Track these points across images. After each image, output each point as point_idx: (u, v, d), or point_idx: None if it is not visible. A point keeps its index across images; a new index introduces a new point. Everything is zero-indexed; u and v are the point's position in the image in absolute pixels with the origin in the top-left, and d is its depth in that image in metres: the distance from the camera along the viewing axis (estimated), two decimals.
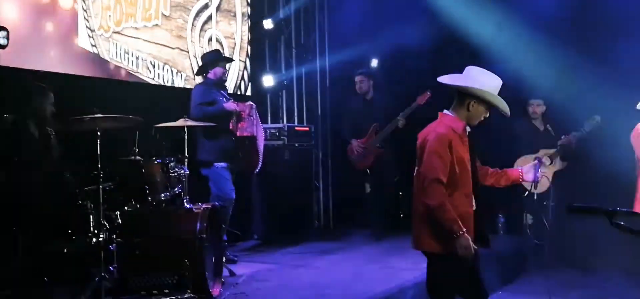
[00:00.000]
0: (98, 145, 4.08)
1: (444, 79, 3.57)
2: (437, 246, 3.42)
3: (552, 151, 6.52)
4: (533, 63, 6.77)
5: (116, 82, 6.21)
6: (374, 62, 8.98)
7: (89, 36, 6.02)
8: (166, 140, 5.39)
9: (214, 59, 6.16)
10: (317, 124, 8.78)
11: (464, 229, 3.29)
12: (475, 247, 3.35)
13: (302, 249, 6.78)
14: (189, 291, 3.47)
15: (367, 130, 7.40)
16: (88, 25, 6.01)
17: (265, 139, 7.41)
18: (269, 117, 8.39)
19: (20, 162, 4.37)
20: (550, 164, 6.50)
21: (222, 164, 5.97)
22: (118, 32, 6.30)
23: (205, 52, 6.57)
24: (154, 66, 6.65)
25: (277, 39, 8.47)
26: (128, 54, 6.39)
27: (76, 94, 5.04)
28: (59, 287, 4.41)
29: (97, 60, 6.08)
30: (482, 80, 3.51)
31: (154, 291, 3.40)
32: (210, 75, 6.07)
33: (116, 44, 6.28)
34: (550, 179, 6.35)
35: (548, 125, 6.71)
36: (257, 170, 6.25)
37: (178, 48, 7.01)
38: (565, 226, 6.53)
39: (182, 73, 7.01)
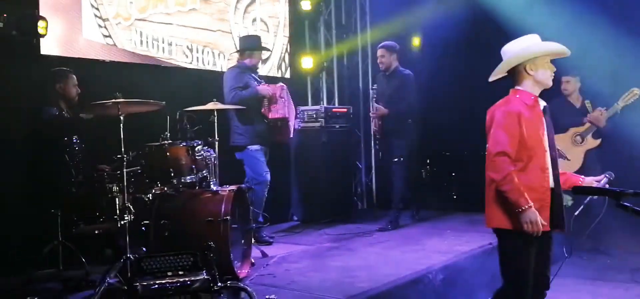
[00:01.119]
0: (121, 130, 4.16)
1: (495, 75, 3.57)
2: (506, 222, 3.34)
3: (582, 128, 6.19)
4: (568, 37, 6.44)
5: (146, 66, 6.28)
6: (417, 40, 8.83)
7: (100, 26, 5.95)
8: (197, 124, 5.49)
9: (253, 47, 6.19)
10: (359, 104, 8.71)
11: (531, 203, 3.21)
12: (544, 223, 3.26)
13: (339, 230, 6.76)
14: (204, 272, 3.50)
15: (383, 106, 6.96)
16: (98, 14, 5.92)
17: (303, 121, 7.47)
18: (310, 99, 8.38)
19: (57, 146, 4.53)
20: (581, 143, 6.18)
21: (256, 146, 6.03)
22: (143, 19, 6.27)
23: (245, 36, 6.61)
24: (191, 50, 6.73)
25: (317, 20, 8.42)
26: (157, 40, 6.40)
27: (102, 80, 5.13)
28: (93, 267, 4.61)
29: (112, 51, 5.99)
30: (519, 44, 3.48)
31: (169, 273, 3.46)
32: (246, 60, 6.11)
33: (141, 32, 6.27)
34: (582, 160, 6.07)
35: (586, 101, 6.36)
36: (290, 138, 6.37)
37: (220, 30, 7.09)
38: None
39: (224, 54, 7.07)
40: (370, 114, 6.96)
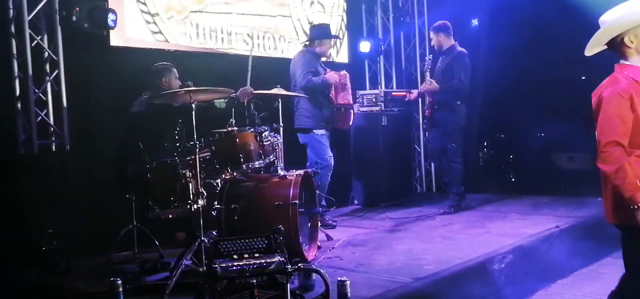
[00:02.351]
0: (193, 117, 4.28)
1: (591, 48, 3.16)
2: (624, 217, 2.99)
3: None
4: None
5: (211, 54, 6.41)
6: (475, 22, 8.72)
7: (148, 22, 5.92)
8: (262, 110, 5.59)
9: (324, 36, 6.26)
10: (417, 88, 8.65)
11: None
12: None
13: (401, 214, 6.78)
14: (277, 255, 3.58)
15: None
16: (145, 10, 5.89)
17: (362, 105, 7.52)
18: (367, 83, 8.39)
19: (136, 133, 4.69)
20: None
21: (322, 131, 6.12)
22: (199, 11, 6.33)
23: (316, 25, 6.70)
24: (252, 37, 6.83)
25: (374, 4, 8.40)
26: (215, 31, 6.46)
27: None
28: (166, 250, 4.79)
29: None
30: (619, 11, 3.04)
31: (245, 255, 3.55)
32: (316, 48, 6.20)
33: (197, 24, 6.32)
34: None
35: None
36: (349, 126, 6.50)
37: (280, 15, 7.19)
38: None
39: (284, 37, 7.17)
40: (420, 89, 6.83)
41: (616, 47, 3.09)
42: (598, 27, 3.13)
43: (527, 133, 8.69)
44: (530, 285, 4.93)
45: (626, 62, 3.06)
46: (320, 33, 6.28)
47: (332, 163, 6.13)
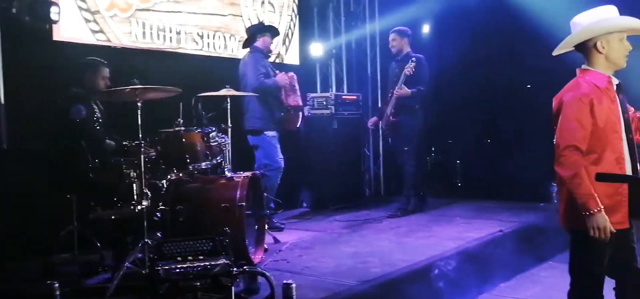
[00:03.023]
0: (139, 116, 4.18)
1: (560, 48, 3.19)
2: (576, 222, 3.02)
3: None
4: None
5: (160, 53, 6.26)
6: (426, 28, 8.84)
7: (88, 20, 5.58)
8: (210, 110, 5.51)
9: (262, 29, 6.24)
10: (367, 92, 8.73)
11: (601, 207, 2.89)
12: (621, 221, 2.99)
13: (349, 217, 6.80)
14: (223, 257, 3.53)
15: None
16: (84, 7, 5.55)
17: (313, 108, 7.53)
18: (318, 86, 8.39)
19: (74, 134, 4.55)
20: None
21: (273, 133, 6.08)
22: (146, 9, 6.11)
23: (251, 25, 6.63)
24: (202, 37, 6.73)
25: (326, 7, 8.42)
26: (163, 30, 6.27)
27: (111, 67, 5.12)
28: (109, 252, 4.65)
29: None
30: (592, 15, 3.08)
31: (189, 257, 3.49)
32: (259, 44, 6.14)
33: (144, 23, 6.09)
34: None
35: None
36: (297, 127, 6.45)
37: (231, 14, 7.09)
38: None
39: (235, 36, 7.06)
40: (395, 94, 6.79)
41: (585, 51, 3.11)
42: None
43: (474, 139, 8.86)
44: (474, 288, 5.01)
45: (589, 68, 3.09)
46: (259, 27, 6.28)
47: (283, 165, 6.11)
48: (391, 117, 6.86)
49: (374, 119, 7.30)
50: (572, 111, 2.99)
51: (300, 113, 6.33)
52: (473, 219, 6.54)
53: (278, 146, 6.16)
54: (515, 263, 5.55)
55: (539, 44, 6.83)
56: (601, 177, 2.57)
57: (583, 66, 3.13)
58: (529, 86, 8.24)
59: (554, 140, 3.07)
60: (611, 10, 3.09)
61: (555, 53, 3.25)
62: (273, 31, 6.39)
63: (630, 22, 3.05)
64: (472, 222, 6.33)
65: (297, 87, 6.21)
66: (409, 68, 6.61)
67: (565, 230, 3.24)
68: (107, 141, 4.71)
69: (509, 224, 6.14)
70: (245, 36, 6.36)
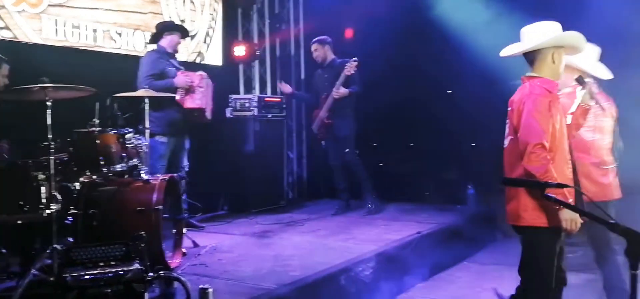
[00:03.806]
0: (48, 115, 4.00)
1: (512, 49, 3.37)
2: (539, 219, 3.21)
3: None
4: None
5: (74, 51, 6.01)
6: (350, 32, 8.93)
7: None
8: (128, 111, 5.35)
9: (169, 27, 6.01)
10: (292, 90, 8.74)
11: (570, 199, 3.07)
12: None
13: (271, 220, 6.77)
14: (136, 262, 3.43)
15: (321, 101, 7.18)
16: None
17: (235, 110, 7.45)
18: (242, 88, 8.32)
19: None
20: None
21: (162, 139, 5.79)
22: (59, 5, 5.83)
23: (160, 22, 6.29)
24: (120, 35, 6.53)
25: (250, 9, 8.36)
26: (78, 28, 6.02)
27: (22, 63, 4.87)
28: (15, 258, 4.41)
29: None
30: (548, 28, 3.31)
31: (100, 263, 3.37)
32: (164, 43, 5.94)
33: (56, 20, 5.82)
34: None
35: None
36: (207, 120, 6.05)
37: (152, 12, 6.90)
38: None
39: None
40: (334, 95, 6.91)
41: (537, 59, 3.31)
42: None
43: (397, 142, 9.03)
44: (392, 289, 5.11)
45: (538, 75, 3.30)
46: (167, 26, 6.05)
47: (161, 172, 5.60)
48: (325, 120, 7.00)
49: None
50: (537, 111, 3.16)
51: (208, 114, 5.94)
52: (393, 221, 6.67)
53: (165, 153, 5.80)
54: (432, 264, 5.70)
55: (460, 50, 7.11)
56: (505, 181, 2.70)
57: (530, 73, 3.33)
58: (449, 92, 8.46)
59: (510, 140, 3.27)
60: (558, 27, 3.32)
61: (503, 54, 3.46)
62: (182, 30, 6.15)
63: (576, 39, 3.31)
64: (392, 225, 6.45)
65: (204, 88, 5.82)
66: (350, 67, 6.81)
67: (514, 228, 3.38)
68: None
69: (427, 225, 6.30)
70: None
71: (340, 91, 6.86)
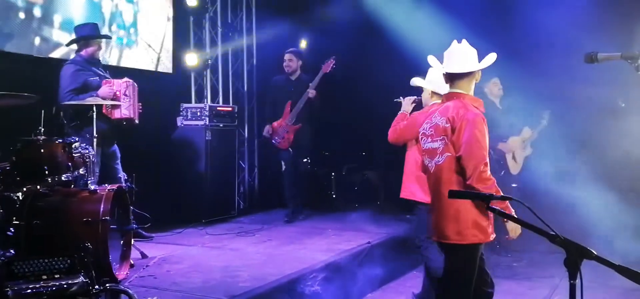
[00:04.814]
0: None
1: (454, 67, 3.44)
2: (478, 236, 3.36)
3: (529, 135, 6.74)
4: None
5: (19, 57, 5.82)
6: (304, 43, 8.98)
7: None
8: (75, 119, 5.23)
9: (86, 36, 5.61)
10: (244, 103, 8.74)
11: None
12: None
13: (222, 230, 6.72)
14: (81, 275, 3.35)
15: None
16: None
17: (186, 119, 7.40)
18: (193, 97, 8.24)
19: None
20: (525, 149, 6.73)
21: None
22: None
23: (79, 25, 5.85)
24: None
25: (202, 17, 8.30)
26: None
27: None
28: None
29: None
30: (471, 52, 3.52)
31: (44, 276, 3.28)
32: (82, 52, 5.63)
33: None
34: (522, 164, 6.57)
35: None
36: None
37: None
38: None
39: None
40: (310, 95, 7.15)
41: (464, 78, 3.45)
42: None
43: (348, 151, 9.10)
44: None
45: (466, 92, 3.46)
46: (84, 33, 5.61)
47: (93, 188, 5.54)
48: (292, 125, 7.18)
49: (268, 127, 7.40)
50: (478, 129, 3.29)
51: (137, 121, 5.68)
52: (344, 231, 6.70)
53: (97, 164, 5.38)
54: (382, 274, 5.75)
55: (408, 56, 7.24)
56: (453, 194, 2.77)
57: (459, 91, 3.45)
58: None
59: (446, 157, 3.38)
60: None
61: (450, 70, 3.53)
62: (100, 38, 5.78)
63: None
64: (343, 234, 6.48)
65: (131, 96, 5.55)
66: (328, 65, 7.12)
67: (441, 245, 3.53)
68: None
69: (377, 235, 6.36)
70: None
71: (314, 92, 7.09)
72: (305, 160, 7.20)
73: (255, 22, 8.94)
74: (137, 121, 5.72)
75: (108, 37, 6.25)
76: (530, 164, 6.72)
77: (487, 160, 3.30)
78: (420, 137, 3.70)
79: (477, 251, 3.42)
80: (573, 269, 2.11)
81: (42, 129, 4.50)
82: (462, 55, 3.48)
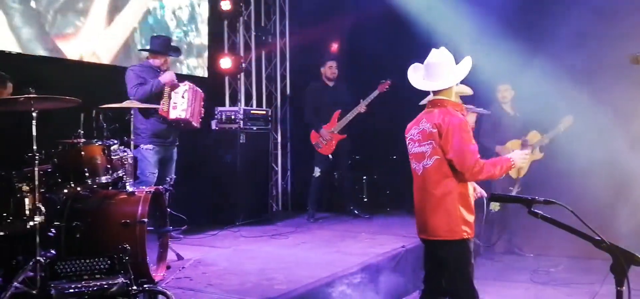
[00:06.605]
0: (34, 126, 3.97)
1: (438, 84, 3.68)
2: (468, 232, 3.59)
3: (534, 139, 6.64)
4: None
5: (56, 61, 5.97)
6: (335, 46, 8.98)
7: None
8: (113, 122, 5.31)
9: (161, 51, 5.84)
10: (276, 107, 8.77)
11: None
12: None
13: (256, 233, 6.75)
14: (121, 276, 3.40)
15: (329, 116, 7.48)
16: None
17: (221, 122, 7.43)
18: (227, 101, 8.32)
19: None
20: (532, 152, 6.61)
21: (149, 146, 5.72)
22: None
23: (156, 36, 6.24)
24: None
25: (236, 21, 8.37)
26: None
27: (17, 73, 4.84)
28: None
29: None
30: (450, 61, 3.76)
31: (85, 276, 3.34)
32: (150, 60, 5.85)
33: None
34: (527, 168, 6.48)
35: (517, 112, 6.80)
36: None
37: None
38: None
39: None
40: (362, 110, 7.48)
41: (448, 88, 3.72)
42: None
43: (380, 155, 9.06)
44: None
45: (448, 99, 3.69)
46: (159, 47, 5.86)
47: (152, 180, 5.68)
48: (338, 133, 7.44)
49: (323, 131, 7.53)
50: (466, 133, 3.55)
51: (195, 123, 5.82)
52: (377, 234, 6.67)
53: (152, 160, 5.72)
54: (417, 278, 5.70)
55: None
56: (493, 197, 2.80)
57: (442, 97, 3.70)
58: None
59: (434, 161, 3.61)
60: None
61: (434, 88, 3.78)
62: (172, 51, 6.04)
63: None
64: (377, 238, 6.45)
65: (190, 98, 5.66)
66: (384, 86, 7.40)
67: (431, 243, 3.73)
68: None
69: (412, 239, 6.29)
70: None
71: (365, 108, 7.44)
72: (350, 162, 7.70)
73: (289, 26, 8.97)
74: (196, 125, 5.84)
75: (177, 53, 6.37)
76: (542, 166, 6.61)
77: (477, 156, 3.52)
78: (407, 143, 3.87)
79: (468, 246, 3.59)
80: (620, 276, 2.07)
81: (81, 132, 4.59)
82: (441, 68, 3.69)
